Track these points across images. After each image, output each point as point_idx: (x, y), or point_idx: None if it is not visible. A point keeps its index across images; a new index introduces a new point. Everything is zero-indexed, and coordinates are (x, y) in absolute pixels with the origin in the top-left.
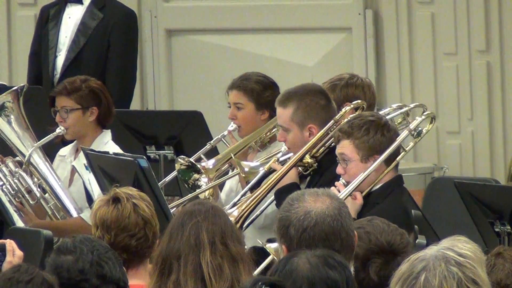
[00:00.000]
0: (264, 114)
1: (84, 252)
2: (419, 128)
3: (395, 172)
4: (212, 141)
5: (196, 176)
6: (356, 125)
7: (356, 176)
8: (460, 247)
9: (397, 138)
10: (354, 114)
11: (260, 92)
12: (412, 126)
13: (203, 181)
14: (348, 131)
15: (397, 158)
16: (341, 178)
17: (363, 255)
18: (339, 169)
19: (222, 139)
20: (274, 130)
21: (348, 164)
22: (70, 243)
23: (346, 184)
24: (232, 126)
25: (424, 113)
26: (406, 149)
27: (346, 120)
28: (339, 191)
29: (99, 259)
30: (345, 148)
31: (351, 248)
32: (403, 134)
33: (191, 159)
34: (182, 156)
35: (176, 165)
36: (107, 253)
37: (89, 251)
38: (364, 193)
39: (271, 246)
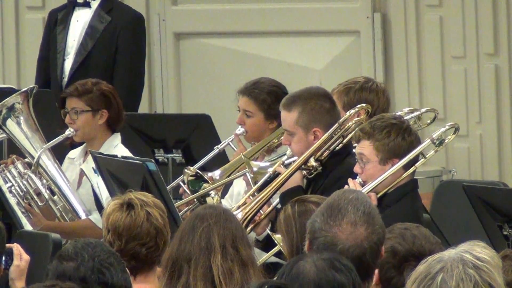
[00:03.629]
0: (273, 124)
1: (85, 259)
2: (442, 137)
3: (411, 176)
4: (219, 146)
5: (206, 185)
6: (378, 126)
7: (372, 177)
8: (478, 251)
9: (419, 145)
10: (377, 116)
11: (271, 103)
12: (435, 135)
13: (214, 190)
14: (369, 132)
15: (416, 164)
16: (357, 177)
17: (403, 255)
18: (356, 168)
19: (230, 143)
20: (281, 138)
21: (366, 164)
22: (71, 249)
23: (363, 183)
24: (239, 130)
25: (448, 124)
26: (427, 156)
27: (368, 121)
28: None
29: (101, 265)
30: (365, 148)
31: (370, 277)
32: (426, 142)
33: (197, 170)
34: (188, 166)
35: (184, 177)
36: (108, 258)
37: (90, 257)
38: (379, 195)
39: (280, 237)
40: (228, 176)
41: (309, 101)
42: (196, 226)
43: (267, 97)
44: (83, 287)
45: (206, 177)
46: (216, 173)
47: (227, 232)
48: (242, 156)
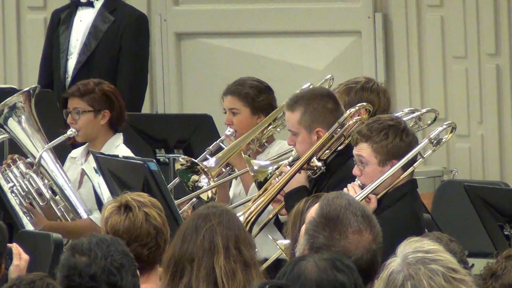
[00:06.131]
0: (260, 118)
1: (98, 257)
2: (439, 137)
3: (409, 176)
4: (210, 147)
5: (195, 177)
6: (375, 128)
7: (372, 179)
8: (421, 246)
9: (417, 146)
10: (374, 117)
11: (255, 96)
12: (433, 135)
13: (204, 182)
14: (367, 134)
15: (414, 164)
16: (356, 179)
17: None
18: (355, 171)
19: (221, 144)
20: (270, 128)
21: (365, 167)
22: (86, 244)
23: (362, 185)
24: (229, 131)
25: (445, 123)
26: (424, 156)
27: (365, 122)
28: (355, 192)
29: (112, 266)
30: (363, 151)
31: (371, 280)
32: (424, 142)
33: (192, 159)
34: (183, 156)
35: (176, 164)
36: (121, 259)
37: (103, 256)
38: (378, 196)
39: (283, 243)
40: (223, 163)
41: (312, 101)
42: (199, 226)
43: (250, 90)
44: (92, 285)
45: (201, 165)
46: (211, 161)
47: (230, 233)
48: (243, 155)
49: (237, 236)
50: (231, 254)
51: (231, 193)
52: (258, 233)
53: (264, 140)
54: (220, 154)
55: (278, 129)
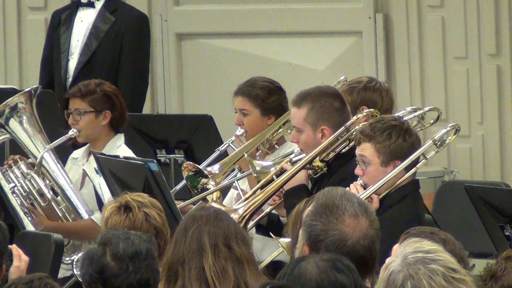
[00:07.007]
0: (271, 119)
1: (128, 270)
2: (443, 138)
3: (412, 177)
4: (220, 147)
5: (204, 180)
6: (378, 128)
7: (374, 179)
8: (421, 246)
9: (419, 146)
10: (377, 117)
11: (265, 98)
12: (437, 137)
13: (211, 184)
14: (370, 134)
15: (417, 165)
16: (358, 179)
17: None
18: (357, 171)
19: (230, 144)
20: (280, 130)
21: (367, 167)
22: (121, 250)
23: (364, 185)
24: (239, 131)
25: (450, 125)
26: (428, 157)
27: (368, 122)
28: (358, 192)
29: (138, 284)
30: (366, 151)
31: (371, 271)
32: (427, 144)
33: (197, 165)
34: (188, 162)
35: (183, 172)
36: (150, 279)
37: (133, 271)
38: (380, 196)
39: (284, 240)
40: (227, 170)
41: (319, 99)
42: (187, 228)
43: (260, 91)
44: None
45: (205, 172)
46: (215, 168)
47: (218, 231)
48: (245, 156)
49: (226, 233)
50: (220, 252)
51: (234, 194)
52: (252, 227)
53: (274, 142)
54: (226, 160)
55: (289, 131)
